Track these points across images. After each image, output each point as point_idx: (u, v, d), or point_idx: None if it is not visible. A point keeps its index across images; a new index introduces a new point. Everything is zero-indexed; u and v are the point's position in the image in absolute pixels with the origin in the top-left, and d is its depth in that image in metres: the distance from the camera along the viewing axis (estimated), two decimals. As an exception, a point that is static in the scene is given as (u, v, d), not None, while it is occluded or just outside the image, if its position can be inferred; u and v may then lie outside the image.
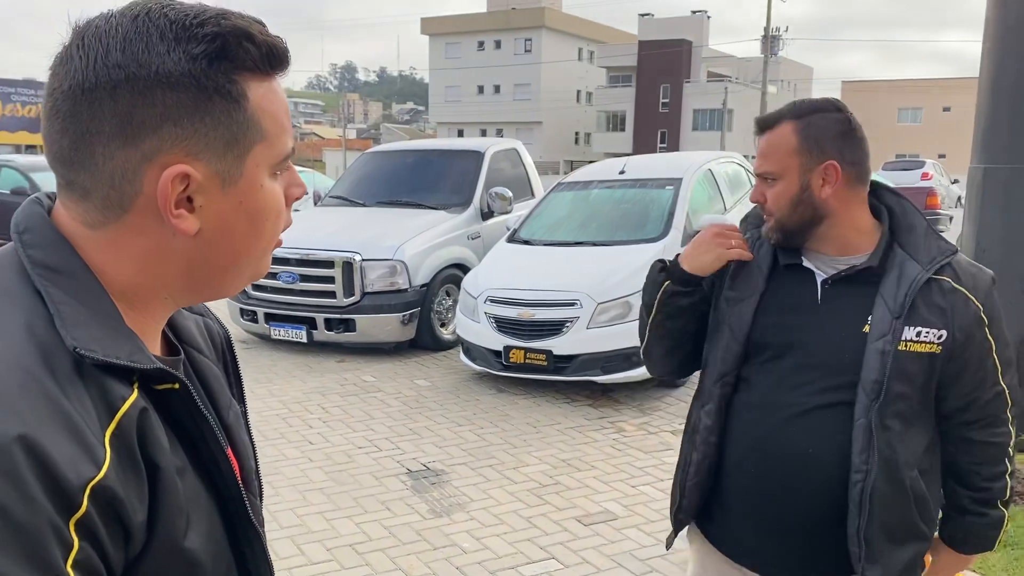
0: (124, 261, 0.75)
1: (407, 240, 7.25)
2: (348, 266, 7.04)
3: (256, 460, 0.94)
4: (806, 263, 1.69)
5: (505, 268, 6.63)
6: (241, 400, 0.96)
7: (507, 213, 8.06)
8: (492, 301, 6.27)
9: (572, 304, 5.94)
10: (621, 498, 4.34)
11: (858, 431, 1.56)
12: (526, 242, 7.02)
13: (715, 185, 7.50)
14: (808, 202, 1.62)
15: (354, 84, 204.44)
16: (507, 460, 4.87)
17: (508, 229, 7.49)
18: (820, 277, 1.67)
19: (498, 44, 60.81)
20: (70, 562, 0.62)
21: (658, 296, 1.80)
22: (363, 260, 7.05)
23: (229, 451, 0.84)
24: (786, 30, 40.39)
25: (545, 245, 6.85)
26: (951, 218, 15.96)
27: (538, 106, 58.91)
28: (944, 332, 1.58)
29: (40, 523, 0.61)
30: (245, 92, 0.75)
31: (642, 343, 1.89)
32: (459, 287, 7.01)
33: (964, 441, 1.67)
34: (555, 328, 5.97)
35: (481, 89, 61.55)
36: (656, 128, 52.90)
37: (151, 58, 0.71)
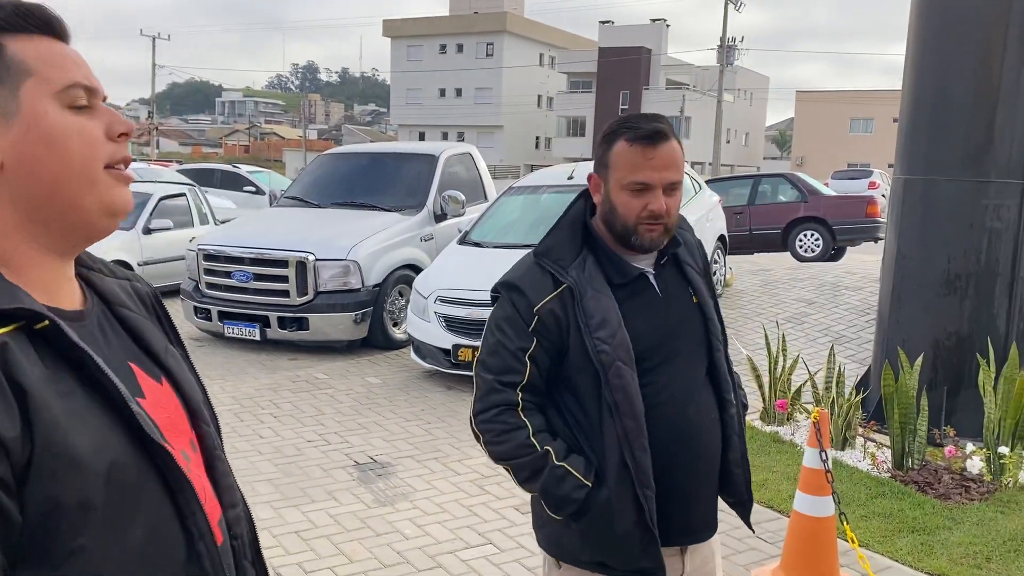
0: None
1: (361, 241, 7.40)
2: (302, 265, 7.17)
3: (205, 393, 1.08)
4: (642, 269, 1.85)
5: (455, 269, 6.81)
6: (179, 344, 1.10)
7: (460, 216, 8.24)
8: (442, 301, 6.45)
9: (519, 304, 6.13)
10: (559, 488, 4.54)
11: (722, 371, 1.89)
12: (477, 244, 7.21)
13: (661, 191, 7.76)
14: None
15: (316, 84, 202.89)
16: (452, 453, 5.05)
17: (460, 232, 7.67)
18: (651, 275, 1.86)
19: (460, 48, 60.96)
20: None
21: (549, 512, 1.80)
22: (317, 260, 7.18)
23: (161, 382, 1.00)
24: (742, 40, 41.17)
25: (495, 247, 7.04)
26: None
27: (499, 110, 59.16)
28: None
29: None
30: (2, 44, 0.88)
31: (499, 460, 1.83)
32: (411, 287, 7.17)
33: None
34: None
35: (443, 92, 61.63)
36: (616, 134, 53.27)
37: None
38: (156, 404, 0.96)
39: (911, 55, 5.27)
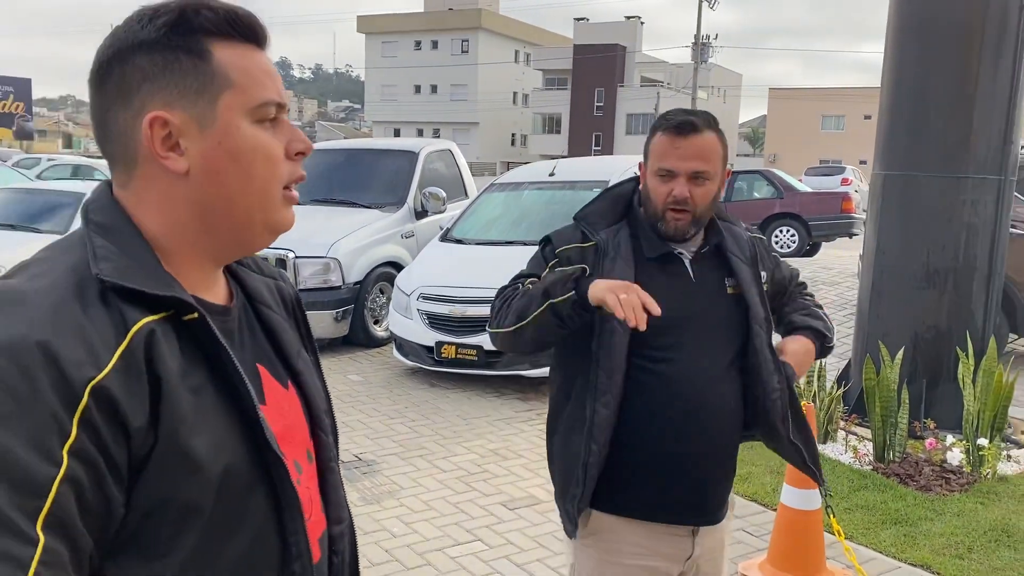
0: (149, 212, 0.90)
1: (341, 238, 7.35)
2: (282, 263, 7.11)
3: (329, 402, 1.08)
4: (676, 250, 1.95)
5: (438, 266, 6.80)
6: (312, 350, 1.09)
7: (441, 213, 8.22)
8: (424, 298, 6.43)
9: (502, 301, 6.13)
10: (545, 484, 4.55)
11: (763, 357, 1.92)
12: (459, 241, 7.19)
13: (641, 187, 7.80)
14: (717, 201, 1.95)
15: (289, 81, 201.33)
16: (437, 450, 5.04)
17: (441, 228, 7.65)
18: (687, 259, 1.95)
19: (435, 44, 60.77)
20: (67, 448, 0.73)
21: (555, 303, 1.81)
22: (296, 257, 7.12)
23: (287, 387, 0.99)
24: (715, 38, 41.44)
25: (477, 244, 7.03)
26: (864, 221, 16.68)
27: (475, 107, 59.08)
28: (765, 272, 2.03)
29: (44, 412, 0.73)
30: (208, 49, 0.89)
31: (509, 325, 1.90)
32: (393, 285, 7.14)
33: (792, 300, 2.19)
34: (486, 324, 6.14)
35: (418, 89, 61.41)
36: (591, 131, 53.61)
37: (129, 35, 0.89)
38: (277, 411, 0.95)
39: (890, 54, 5.32)
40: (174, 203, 0.90)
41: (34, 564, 0.70)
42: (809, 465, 2.05)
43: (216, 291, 0.96)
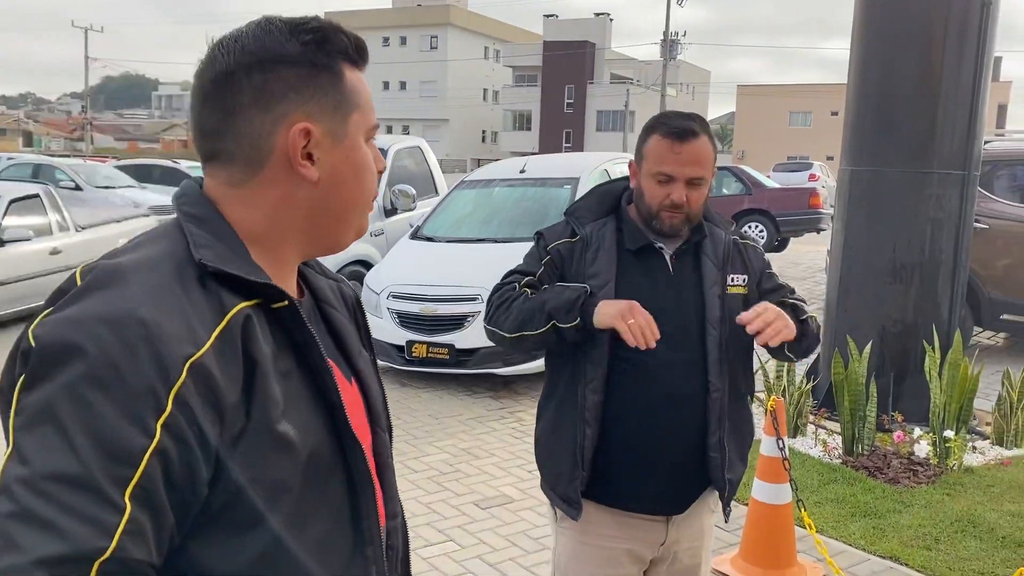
0: (258, 210, 0.95)
1: (309, 236, 7.26)
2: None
3: (385, 401, 1.12)
4: (657, 243, 2.04)
5: (408, 264, 6.75)
6: (370, 350, 1.15)
7: (411, 210, 8.17)
8: (394, 297, 6.38)
9: (473, 299, 6.10)
10: (517, 482, 4.53)
11: (712, 357, 1.97)
12: (429, 239, 7.14)
13: (611, 184, 7.81)
14: (708, 201, 2.06)
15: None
16: (408, 451, 5.00)
17: (411, 226, 7.60)
18: (667, 253, 2.04)
19: (403, 40, 60.50)
20: (160, 422, 0.76)
21: (561, 328, 1.91)
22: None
23: (351, 383, 1.04)
24: (684, 35, 41.74)
25: (448, 242, 6.99)
26: (832, 216, 16.88)
27: (445, 104, 58.92)
28: (747, 276, 2.08)
29: (142, 385, 0.76)
30: (342, 70, 0.97)
31: (509, 331, 1.99)
32: (362, 284, 7.07)
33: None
34: (457, 323, 6.12)
35: (387, 85, 61.08)
36: (561, 128, 53.69)
37: (274, 45, 0.94)
38: (349, 403, 0.99)
39: (856, 51, 5.37)
40: (292, 205, 0.96)
41: (119, 532, 0.72)
42: (724, 478, 2.02)
43: (290, 286, 1.00)
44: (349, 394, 1.01)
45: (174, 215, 0.97)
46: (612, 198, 2.11)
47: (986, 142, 6.37)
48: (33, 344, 0.78)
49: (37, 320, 0.81)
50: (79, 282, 0.83)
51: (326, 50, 0.96)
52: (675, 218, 1.96)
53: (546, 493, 2.13)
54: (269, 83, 0.93)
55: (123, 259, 0.87)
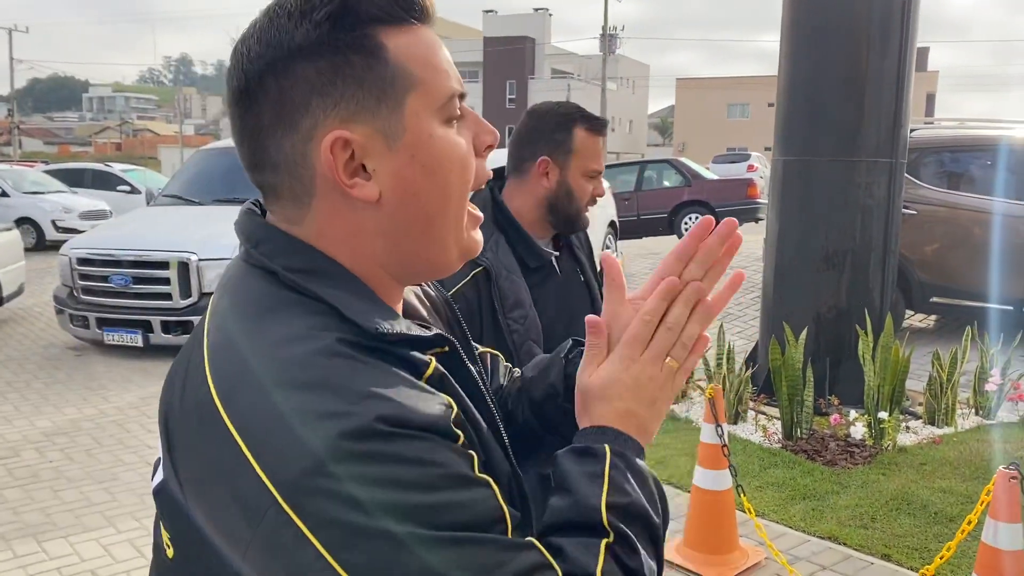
0: (338, 249, 0.76)
1: (247, 238, 7.14)
2: (184, 266, 6.86)
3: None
4: (553, 255, 1.95)
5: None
6: (472, 359, 0.94)
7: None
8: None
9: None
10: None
11: None
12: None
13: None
14: None
15: (190, 78, 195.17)
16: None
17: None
18: (555, 257, 1.96)
19: (342, 38, 59.85)
20: (476, 469, 0.69)
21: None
22: (200, 260, 6.89)
23: None
24: (622, 29, 42.06)
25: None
26: (772, 207, 17.24)
27: (385, 101, 58.43)
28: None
29: (452, 459, 0.67)
30: (382, 43, 0.73)
31: None
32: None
33: None
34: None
35: (326, 84, 60.37)
36: (504, 123, 53.60)
37: (282, 38, 0.72)
38: None
39: (785, 45, 5.48)
40: (366, 237, 0.76)
41: (548, 556, 0.70)
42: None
43: None
44: None
45: (254, 270, 0.76)
46: (491, 207, 1.84)
47: (912, 130, 6.57)
48: None
49: None
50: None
51: (347, 23, 0.72)
52: (588, 212, 1.94)
53: None
54: (286, 92, 0.72)
55: (289, 363, 0.68)
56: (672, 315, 0.83)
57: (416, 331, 0.74)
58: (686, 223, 13.58)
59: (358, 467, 0.63)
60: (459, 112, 0.78)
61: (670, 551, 3.66)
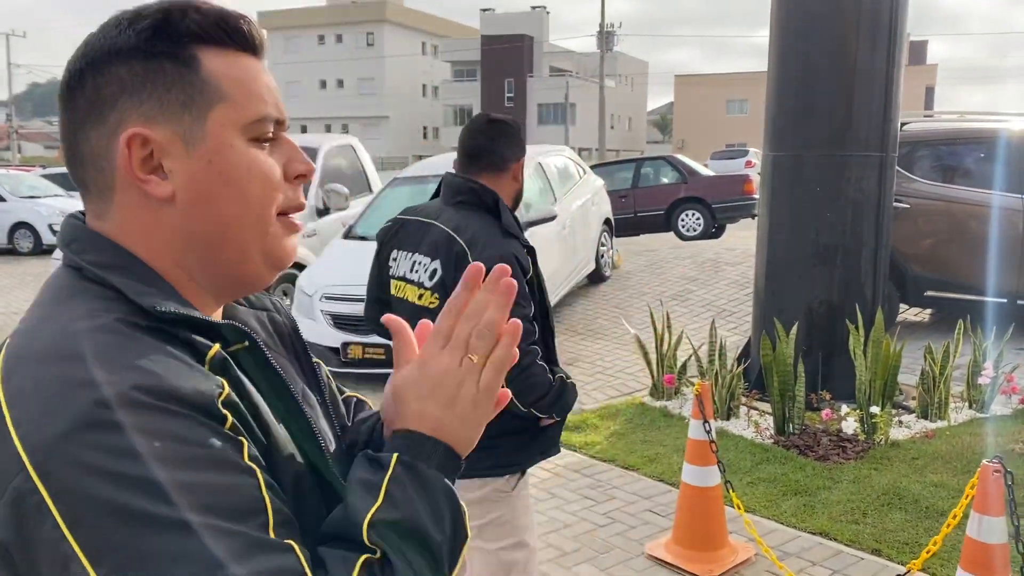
0: (136, 243, 0.79)
1: (240, 240, 7.13)
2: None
3: (340, 444, 0.95)
4: None
5: (341, 265, 6.67)
6: (317, 390, 0.96)
7: (344, 210, 8.07)
8: (328, 298, 6.30)
9: (408, 297, 6.06)
10: (455, 479, 4.51)
11: None
12: (362, 238, 7.07)
13: (545, 178, 7.82)
14: None
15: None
16: (345, 452, 4.94)
17: (344, 226, 7.51)
18: None
19: (339, 38, 59.79)
20: (246, 456, 0.69)
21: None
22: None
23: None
24: (620, 26, 42.05)
25: (381, 240, 6.92)
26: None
27: (384, 101, 58.43)
28: None
29: (212, 438, 0.68)
30: (197, 56, 0.79)
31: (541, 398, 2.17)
32: (295, 286, 6.98)
33: None
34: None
35: (324, 84, 60.34)
36: (502, 122, 53.56)
37: (105, 42, 0.78)
38: None
39: (775, 41, 5.46)
40: (162, 234, 0.79)
41: (304, 563, 0.68)
42: None
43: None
44: None
45: (67, 269, 0.80)
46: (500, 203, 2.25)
47: (904, 124, 6.55)
48: None
49: None
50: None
51: (167, 34, 0.78)
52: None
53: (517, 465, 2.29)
54: (100, 88, 0.77)
55: (77, 335, 0.71)
56: (471, 304, 0.82)
57: (200, 315, 0.76)
58: (683, 220, 13.56)
59: (108, 436, 0.63)
60: (271, 135, 0.83)
61: (659, 548, 3.65)
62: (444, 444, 0.80)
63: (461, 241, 2.12)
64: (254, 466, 0.69)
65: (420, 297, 2.18)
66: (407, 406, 0.81)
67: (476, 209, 2.18)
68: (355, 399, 1.10)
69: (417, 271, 2.20)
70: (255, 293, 0.93)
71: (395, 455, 0.77)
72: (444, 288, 2.12)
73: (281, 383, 0.81)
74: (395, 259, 2.29)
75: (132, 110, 0.77)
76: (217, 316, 0.87)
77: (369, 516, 0.73)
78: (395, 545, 0.73)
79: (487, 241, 2.11)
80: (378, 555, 0.72)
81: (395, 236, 2.32)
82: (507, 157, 2.22)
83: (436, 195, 2.36)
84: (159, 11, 0.78)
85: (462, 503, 0.79)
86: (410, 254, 2.25)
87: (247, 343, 0.79)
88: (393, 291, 2.30)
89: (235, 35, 0.81)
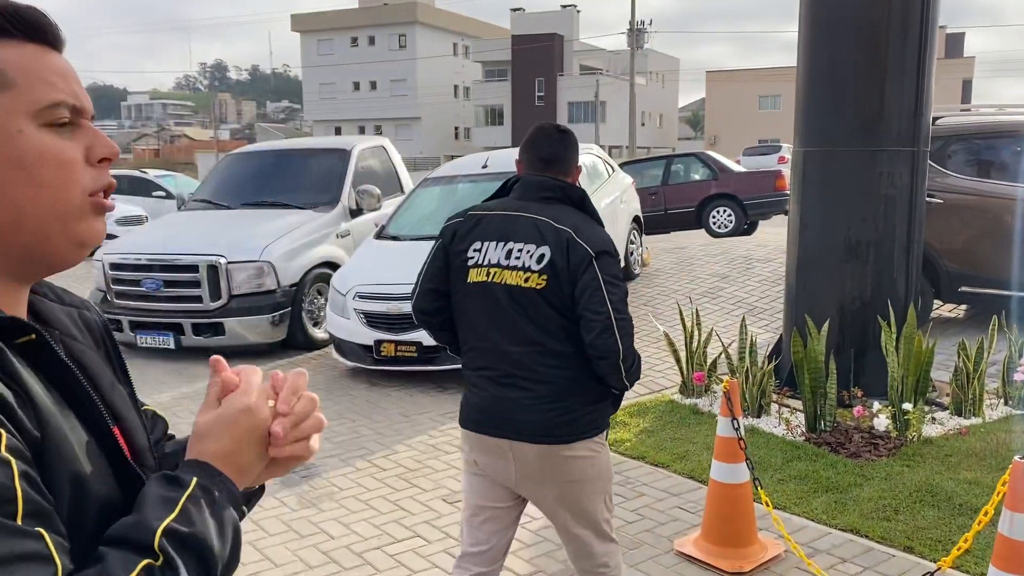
0: None
1: (274, 241, 7.25)
2: (213, 269, 6.99)
3: (149, 436, 1.00)
4: None
5: (373, 264, 6.75)
6: (127, 383, 1.01)
7: (376, 210, 8.15)
8: (361, 297, 6.38)
9: (438, 295, 6.12)
10: (485, 476, 4.56)
11: None
12: (394, 238, 7.15)
13: (574, 175, 7.84)
14: None
15: (226, 83, 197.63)
16: (377, 450, 5.01)
17: (377, 226, 7.60)
18: None
19: (372, 40, 60.16)
20: (3, 447, 0.71)
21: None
22: (228, 263, 7.01)
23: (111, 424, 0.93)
24: (650, 23, 41.79)
25: (412, 240, 6.99)
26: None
27: (416, 101, 58.69)
28: None
29: None
30: None
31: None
32: (329, 285, 7.07)
33: None
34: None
35: (357, 86, 60.77)
36: (534, 121, 52.73)
37: None
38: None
39: (804, 34, 5.43)
40: None
41: (53, 551, 0.71)
42: None
43: (17, 314, 0.88)
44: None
45: None
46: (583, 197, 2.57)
47: (936, 118, 6.47)
48: None
49: None
50: None
51: None
52: None
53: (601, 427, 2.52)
54: None
55: None
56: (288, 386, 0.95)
57: None
58: (714, 217, 13.48)
59: None
60: (66, 119, 0.85)
61: (688, 544, 3.67)
62: (230, 480, 0.87)
63: (568, 228, 2.37)
64: (10, 457, 0.71)
65: (526, 280, 2.39)
66: (207, 443, 0.87)
67: (562, 203, 2.47)
68: (151, 412, 1.15)
69: (519, 257, 2.40)
70: (60, 271, 0.94)
71: (195, 478, 0.83)
72: (553, 269, 2.36)
73: (77, 384, 0.83)
74: (477, 249, 2.47)
75: None
76: (19, 300, 0.89)
77: (163, 525, 0.77)
78: (181, 554, 0.77)
79: (587, 229, 2.40)
80: (159, 562, 0.75)
81: (474, 229, 2.49)
82: (573, 161, 2.57)
83: (499, 194, 2.61)
84: None
85: (241, 531, 0.86)
86: (501, 243, 2.44)
87: (33, 336, 0.80)
88: (474, 278, 2.47)
89: (28, 29, 0.84)
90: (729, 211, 13.36)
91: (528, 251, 2.39)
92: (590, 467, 2.48)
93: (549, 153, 2.54)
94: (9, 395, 0.74)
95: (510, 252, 2.42)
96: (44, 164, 0.83)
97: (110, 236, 13.69)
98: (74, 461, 0.78)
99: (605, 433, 2.56)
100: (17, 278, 0.87)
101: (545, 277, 2.36)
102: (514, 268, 2.40)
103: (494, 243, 2.45)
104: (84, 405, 0.83)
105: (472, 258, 2.47)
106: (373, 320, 6.30)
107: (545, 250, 2.37)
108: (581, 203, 2.50)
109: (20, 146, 0.82)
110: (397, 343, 6.19)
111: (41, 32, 0.86)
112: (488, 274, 2.44)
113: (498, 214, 2.49)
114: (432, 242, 2.61)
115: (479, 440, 2.48)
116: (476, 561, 2.55)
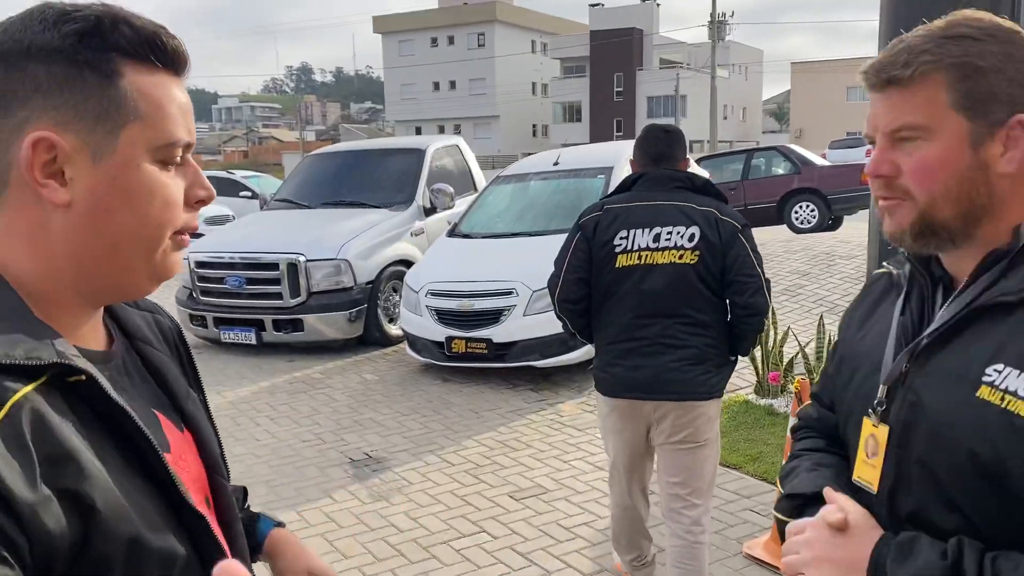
0: (17, 246, 0.78)
1: (351, 239, 7.41)
2: (293, 267, 7.19)
3: (221, 444, 0.99)
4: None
5: (445, 262, 6.83)
6: (199, 389, 1.00)
7: (450, 208, 8.24)
8: (433, 294, 6.46)
9: (509, 293, 6.15)
10: (553, 473, 4.56)
11: None
12: (466, 236, 7.21)
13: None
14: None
15: (311, 86, 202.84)
16: (447, 445, 5.07)
17: (450, 224, 7.68)
18: None
19: (451, 40, 60.80)
20: None
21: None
22: (307, 261, 7.20)
23: (182, 431, 0.91)
24: (732, 15, 40.97)
25: (484, 237, 7.05)
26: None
27: (494, 100, 59.04)
28: None
29: None
30: (119, 71, 0.78)
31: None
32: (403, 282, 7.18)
33: None
34: (494, 317, 6.18)
35: (437, 86, 61.52)
36: (612, 117, 53.29)
37: (25, 35, 0.76)
38: (179, 458, 0.88)
39: (885, 20, 5.22)
40: (48, 238, 0.79)
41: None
42: None
43: (96, 335, 0.87)
44: (180, 445, 0.90)
45: None
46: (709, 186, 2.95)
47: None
48: None
49: None
50: None
51: (93, 44, 0.77)
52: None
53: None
54: (12, 83, 0.76)
55: None
56: None
57: (20, 360, 0.71)
58: (796, 212, 13.12)
59: None
60: (179, 160, 0.84)
61: (757, 547, 3.59)
62: None
63: (712, 209, 2.75)
64: None
65: (680, 257, 2.71)
66: None
67: (690, 190, 2.81)
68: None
69: (669, 238, 2.72)
70: (131, 300, 0.92)
71: None
72: (706, 243, 2.70)
73: (125, 418, 0.78)
74: (624, 237, 2.77)
75: (44, 112, 0.76)
76: (95, 320, 0.87)
77: None
78: None
79: (725, 208, 2.79)
80: None
81: (615, 221, 2.79)
82: (680, 157, 2.91)
83: (624, 188, 2.90)
84: (89, 16, 0.78)
85: None
86: (647, 229, 2.75)
87: (83, 376, 0.75)
88: (623, 263, 2.77)
89: (161, 54, 0.81)
90: (812, 206, 12.98)
91: (679, 232, 2.72)
92: (714, 421, 2.89)
93: (656, 152, 2.87)
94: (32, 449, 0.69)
95: (658, 236, 2.73)
96: (152, 201, 0.82)
97: (198, 235, 14.23)
98: (127, 521, 0.74)
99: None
100: (91, 303, 0.86)
101: (698, 253, 2.70)
102: (665, 248, 2.73)
103: (640, 230, 2.75)
104: (140, 447, 0.80)
105: (620, 245, 2.77)
106: (444, 317, 6.38)
107: (695, 229, 2.71)
108: (706, 188, 2.85)
109: (136, 180, 0.81)
110: (467, 339, 6.25)
111: (174, 61, 0.84)
112: (639, 257, 2.75)
113: (637, 205, 2.79)
114: (505, 239, 2.89)
115: (629, 406, 2.82)
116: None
